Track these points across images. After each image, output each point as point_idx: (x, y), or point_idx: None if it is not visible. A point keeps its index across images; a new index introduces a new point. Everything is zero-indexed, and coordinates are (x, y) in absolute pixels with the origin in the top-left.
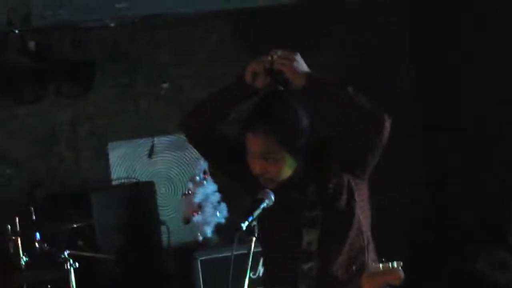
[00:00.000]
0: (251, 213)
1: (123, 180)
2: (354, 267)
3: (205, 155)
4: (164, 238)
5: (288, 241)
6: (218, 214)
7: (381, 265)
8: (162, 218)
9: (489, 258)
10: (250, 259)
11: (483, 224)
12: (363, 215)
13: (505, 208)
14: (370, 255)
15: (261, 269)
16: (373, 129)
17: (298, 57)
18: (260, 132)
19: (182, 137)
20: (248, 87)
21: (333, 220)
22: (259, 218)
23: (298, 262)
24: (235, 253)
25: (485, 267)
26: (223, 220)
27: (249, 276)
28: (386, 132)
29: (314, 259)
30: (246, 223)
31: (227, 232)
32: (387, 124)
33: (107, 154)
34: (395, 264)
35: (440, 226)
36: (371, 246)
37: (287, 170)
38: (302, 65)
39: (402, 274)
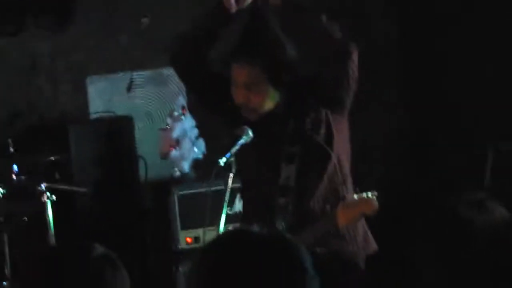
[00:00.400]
0: (229, 149)
1: (101, 114)
2: (330, 203)
3: (191, 88)
4: (142, 172)
5: (266, 175)
6: (196, 149)
7: (355, 195)
8: (139, 152)
9: (467, 199)
10: (227, 195)
11: (464, 169)
12: (342, 150)
13: (483, 155)
14: (348, 191)
15: (238, 205)
16: (340, 59)
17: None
18: (246, 62)
19: (162, 71)
20: (228, 13)
21: (312, 155)
22: (236, 154)
23: (275, 196)
24: (212, 188)
25: (462, 207)
26: (200, 156)
27: (226, 212)
28: (354, 64)
29: (291, 194)
30: (224, 159)
31: (204, 167)
32: (354, 56)
33: (86, 88)
34: (369, 194)
35: (422, 168)
36: (349, 182)
37: (269, 102)
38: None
39: (376, 204)
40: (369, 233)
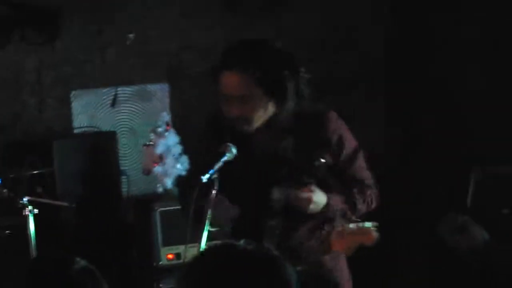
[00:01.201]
0: (212, 166)
1: (85, 129)
2: (322, 232)
3: None
4: (124, 188)
5: (256, 196)
6: (179, 166)
7: (351, 225)
8: (122, 168)
9: (450, 223)
10: (209, 212)
11: (445, 190)
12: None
13: (465, 175)
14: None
15: None
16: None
17: (316, 199)
18: (237, 71)
19: (146, 87)
20: None
21: (305, 179)
22: (220, 171)
23: (263, 217)
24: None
25: (446, 232)
26: (184, 172)
27: (208, 229)
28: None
29: (280, 217)
30: (207, 175)
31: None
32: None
33: (70, 103)
34: (369, 224)
35: (407, 191)
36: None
37: (261, 111)
38: (317, 206)
39: (376, 234)
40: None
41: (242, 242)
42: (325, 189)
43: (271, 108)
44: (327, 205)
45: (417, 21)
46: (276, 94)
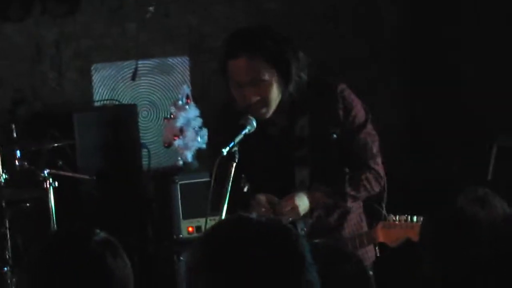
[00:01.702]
0: (233, 139)
1: (105, 102)
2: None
3: None
4: (145, 161)
5: (280, 179)
6: (199, 139)
7: (398, 217)
8: (143, 141)
9: (470, 195)
10: (230, 184)
11: (465, 165)
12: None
13: (487, 150)
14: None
15: None
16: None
17: (299, 202)
18: (244, 57)
19: (167, 60)
20: None
21: (325, 156)
22: (240, 145)
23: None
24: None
25: (466, 203)
26: (204, 145)
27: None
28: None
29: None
30: (227, 148)
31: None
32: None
33: (91, 76)
34: (415, 219)
35: (424, 167)
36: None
37: (276, 92)
38: (305, 207)
39: None
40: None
41: (254, 214)
42: (320, 177)
43: (281, 88)
44: (315, 201)
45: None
46: (283, 74)
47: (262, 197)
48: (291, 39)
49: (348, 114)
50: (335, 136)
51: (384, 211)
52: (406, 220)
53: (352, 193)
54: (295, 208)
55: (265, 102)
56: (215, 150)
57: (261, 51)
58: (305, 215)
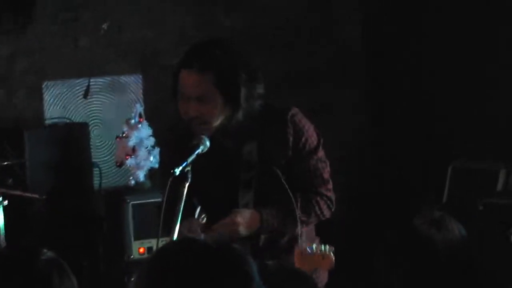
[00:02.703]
0: (185, 158)
1: (56, 120)
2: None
3: None
4: (96, 180)
5: (225, 201)
6: (152, 158)
7: (314, 245)
8: (94, 160)
9: (426, 217)
10: (182, 205)
11: (423, 184)
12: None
13: (443, 170)
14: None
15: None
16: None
17: (240, 219)
18: (196, 70)
19: (120, 78)
20: None
21: (271, 181)
22: (193, 164)
23: None
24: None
25: (423, 225)
26: (156, 165)
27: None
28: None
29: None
30: (180, 168)
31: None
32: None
33: (42, 93)
34: (327, 248)
35: (380, 181)
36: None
37: (218, 113)
38: (246, 225)
39: (333, 260)
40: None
41: (202, 237)
42: (264, 201)
43: (226, 111)
44: (261, 221)
45: (395, 9)
46: (231, 97)
47: (187, 223)
48: (249, 59)
49: (298, 140)
50: (283, 162)
51: (300, 238)
52: (320, 250)
53: (303, 218)
54: (234, 225)
55: (205, 121)
56: (167, 170)
57: (213, 70)
58: (249, 236)
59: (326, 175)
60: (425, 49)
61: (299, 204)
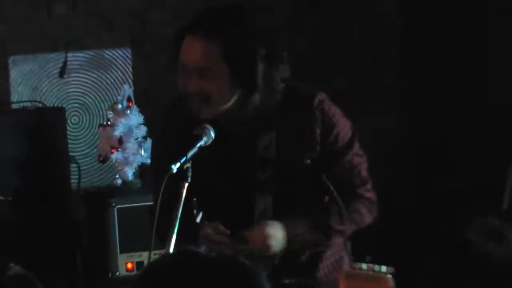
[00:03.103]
0: (185, 153)
1: (25, 104)
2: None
3: None
4: (74, 179)
5: (235, 207)
6: (142, 152)
7: (364, 266)
8: (72, 154)
9: (482, 228)
10: (180, 209)
11: (475, 191)
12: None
13: (500, 174)
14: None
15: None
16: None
17: (272, 234)
18: (201, 36)
19: (103, 53)
20: None
21: (293, 183)
22: (193, 159)
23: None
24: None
25: (478, 237)
26: (148, 160)
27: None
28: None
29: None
30: (178, 164)
31: None
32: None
33: (8, 71)
34: (384, 268)
35: (426, 191)
36: None
37: (225, 92)
38: (279, 242)
39: (392, 284)
40: None
41: (203, 248)
42: (286, 208)
43: (238, 93)
44: (292, 236)
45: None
46: (244, 74)
47: (210, 229)
48: (270, 33)
49: (328, 133)
50: (308, 161)
51: (350, 256)
52: (374, 271)
53: (339, 227)
54: (266, 243)
55: (206, 99)
56: (161, 166)
57: (222, 38)
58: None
59: (364, 172)
60: (477, 31)
61: (332, 211)
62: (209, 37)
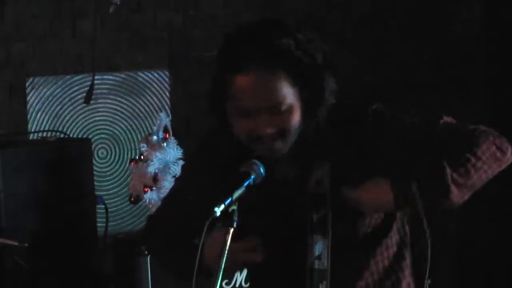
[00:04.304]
0: (230, 193)
1: (45, 134)
2: None
3: None
4: (100, 222)
5: (283, 252)
6: None
7: None
8: (98, 193)
9: None
10: (224, 258)
11: None
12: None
13: None
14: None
15: (240, 277)
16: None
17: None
18: (259, 70)
19: (137, 75)
20: None
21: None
22: (240, 200)
23: (303, 285)
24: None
25: None
26: None
27: (221, 284)
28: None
29: (325, 279)
30: (222, 206)
31: None
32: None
33: (25, 94)
34: None
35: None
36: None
37: (299, 123)
38: (377, 195)
39: None
40: None
41: None
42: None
43: (303, 118)
44: (396, 191)
45: None
46: (310, 96)
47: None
48: (325, 45)
49: (391, 137)
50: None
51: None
52: None
53: (458, 178)
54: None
55: (284, 135)
56: (197, 209)
57: (284, 62)
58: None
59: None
60: None
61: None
62: (267, 69)
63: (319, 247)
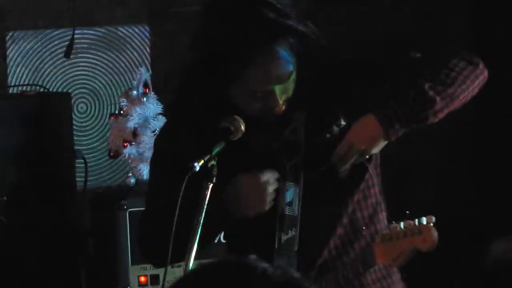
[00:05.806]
0: (209, 148)
1: (25, 88)
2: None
3: None
4: (80, 177)
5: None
6: None
7: (402, 223)
8: (78, 147)
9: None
10: (203, 213)
11: None
12: (375, 171)
13: None
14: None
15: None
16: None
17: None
18: (275, 40)
19: (117, 31)
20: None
21: (320, 168)
22: (219, 156)
23: (274, 230)
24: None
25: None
26: None
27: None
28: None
29: (295, 226)
30: (201, 161)
31: None
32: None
33: (5, 48)
34: (424, 220)
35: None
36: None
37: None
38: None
39: (435, 235)
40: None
41: (253, 259)
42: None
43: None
44: (382, 120)
45: None
46: (302, 58)
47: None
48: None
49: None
50: (343, 123)
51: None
52: (413, 225)
53: (438, 87)
54: (350, 146)
55: (287, 101)
56: (177, 164)
57: (285, 33)
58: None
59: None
60: None
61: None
62: (276, 42)
63: (291, 194)
